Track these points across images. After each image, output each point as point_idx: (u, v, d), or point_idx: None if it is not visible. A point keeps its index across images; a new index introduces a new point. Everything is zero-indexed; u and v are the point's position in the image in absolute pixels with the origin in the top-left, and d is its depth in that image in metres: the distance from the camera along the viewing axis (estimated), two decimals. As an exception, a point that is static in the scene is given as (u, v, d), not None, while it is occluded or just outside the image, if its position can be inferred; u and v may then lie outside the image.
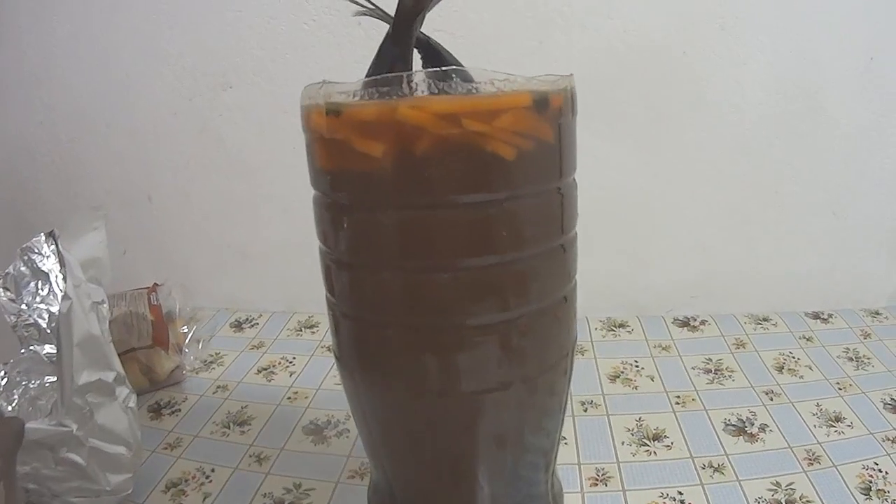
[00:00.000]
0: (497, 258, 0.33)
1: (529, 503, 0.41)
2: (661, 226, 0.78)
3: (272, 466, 0.57)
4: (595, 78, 0.70)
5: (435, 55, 0.36)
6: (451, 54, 0.36)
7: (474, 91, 0.31)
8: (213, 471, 0.57)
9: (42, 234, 0.66)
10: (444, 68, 0.32)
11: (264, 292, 0.88)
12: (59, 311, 0.49)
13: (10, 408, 0.59)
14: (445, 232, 0.33)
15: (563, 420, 0.42)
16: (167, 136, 0.83)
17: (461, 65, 0.35)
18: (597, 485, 0.52)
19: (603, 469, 0.54)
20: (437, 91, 0.31)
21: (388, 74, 0.31)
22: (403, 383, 0.36)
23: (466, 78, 0.32)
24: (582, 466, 0.55)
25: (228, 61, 0.78)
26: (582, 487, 0.52)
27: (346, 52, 0.74)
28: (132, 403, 0.55)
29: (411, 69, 0.34)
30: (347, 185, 0.34)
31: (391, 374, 0.37)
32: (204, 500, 0.54)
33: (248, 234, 0.86)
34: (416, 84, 0.32)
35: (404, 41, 0.34)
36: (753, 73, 0.71)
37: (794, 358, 0.70)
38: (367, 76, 0.35)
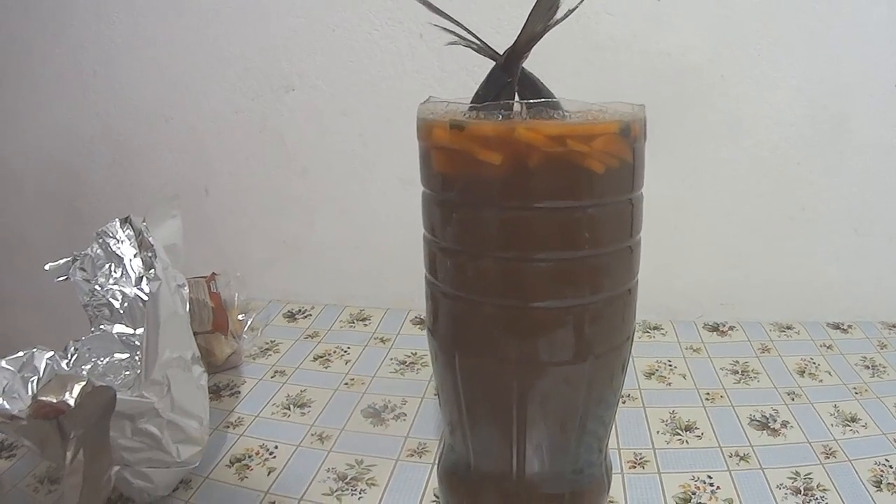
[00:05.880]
0: (578, 254, 0.42)
1: (588, 469, 0.50)
2: (695, 237, 0.85)
3: (334, 444, 0.63)
4: (639, 97, 0.79)
5: (530, 84, 0.44)
6: (544, 84, 0.45)
7: (573, 117, 0.41)
8: (276, 447, 0.63)
9: (117, 219, 0.72)
10: (550, 100, 0.41)
11: (317, 287, 0.93)
12: (149, 290, 0.54)
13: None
14: (539, 230, 0.42)
15: (618, 399, 0.51)
16: (227, 132, 0.89)
17: (553, 94, 0.44)
18: (635, 468, 0.59)
19: (640, 454, 0.61)
20: (545, 117, 0.41)
21: (508, 101, 0.41)
22: (493, 354, 0.45)
23: (565, 108, 0.42)
24: (621, 451, 0.62)
25: (292, 65, 0.84)
26: (622, 469, 0.59)
27: (407, 62, 0.81)
28: (203, 381, 0.60)
29: (515, 96, 0.44)
30: (458, 187, 0.43)
31: (483, 346, 0.45)
32: (269, 473, 0.59)
33: (304, 230, 0.92)
34: (529, 110, 0.41)
35: (514, 71, 0.43)
36: (785, 96, 0.79)
37: (814, 364, 0.77)
38: (474, 98, 0.44)
